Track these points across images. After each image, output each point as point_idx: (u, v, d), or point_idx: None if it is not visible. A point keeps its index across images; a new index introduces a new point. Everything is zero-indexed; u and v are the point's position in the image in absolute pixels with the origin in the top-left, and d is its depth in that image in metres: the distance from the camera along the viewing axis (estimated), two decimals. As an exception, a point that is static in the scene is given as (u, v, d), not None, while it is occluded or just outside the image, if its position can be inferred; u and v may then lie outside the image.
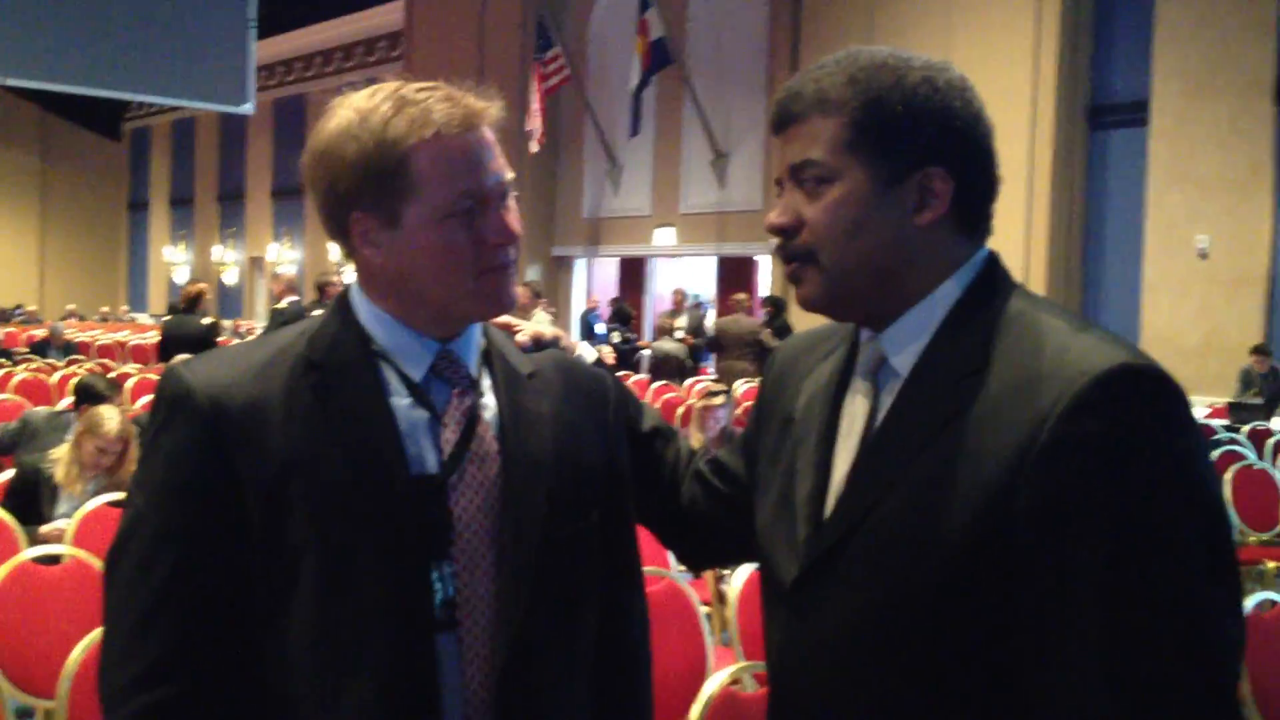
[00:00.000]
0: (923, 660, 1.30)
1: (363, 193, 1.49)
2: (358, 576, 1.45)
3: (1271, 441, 8.71)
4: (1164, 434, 1.22)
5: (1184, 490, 1.21)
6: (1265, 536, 6.73)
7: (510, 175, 1.54)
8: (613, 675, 1.68)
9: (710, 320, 15.67)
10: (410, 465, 1.49)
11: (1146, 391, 1.23)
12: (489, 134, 1.52)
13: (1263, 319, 12.41)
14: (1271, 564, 6.79)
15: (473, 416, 1.54)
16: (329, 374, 1.51)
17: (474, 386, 1.56)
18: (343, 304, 1.58)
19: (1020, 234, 13.42)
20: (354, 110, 1.50)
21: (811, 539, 1.41)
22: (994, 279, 1.41)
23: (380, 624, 1.45)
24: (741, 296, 13.72)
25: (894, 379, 1.41)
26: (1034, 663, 1.24)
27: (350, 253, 1.55)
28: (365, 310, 1.56)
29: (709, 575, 4.89)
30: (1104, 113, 14.20)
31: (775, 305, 13.68)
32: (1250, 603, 3.71)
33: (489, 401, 1.57)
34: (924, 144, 1.36)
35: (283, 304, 11.69)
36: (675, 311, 15.45)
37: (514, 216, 1.53)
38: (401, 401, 1.52)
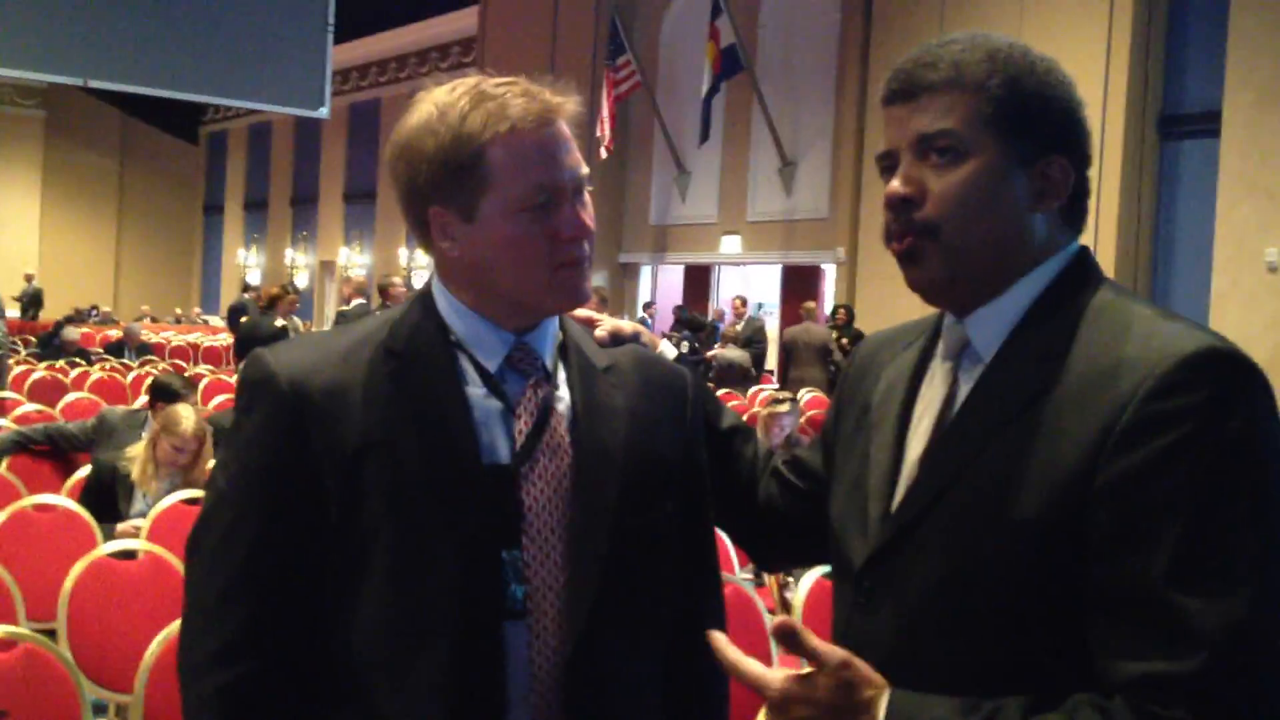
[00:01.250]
0: (989, 639, 1.30)
1: (440, 186, 1.51)
2: (429, 561, 1.48)
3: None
4: (1248, 416, 1.21)
5: (1262, 470, 1.21)
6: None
7: (585, 171, 1.55)
8: (689, 671, 1.68)
9: (771, 328, 15.61)
10: (483, 454, 1.51)
11: (1231, 374, 1.23)
12: (565, 129, 1.53)
13: (1335, 332, 12.19)
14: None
15: (546, 408, 1.56)
16: (407, 362, 1.54)
17: (549, 378, 1.58)
18: (425, 295, 1.61)
19: (1087, 242, 13.24)
20: (434, 105, 1.53)
21: (883, 521, 1.41)
22: (1085, 269, 1.41)
23: (450, 609, 1.48)
24: (810, 305, 13.61)
25: (975, 363, 1.41)
26: (1095, 623, 1.23)
27: (428, 246, 1.58)
28: (444, 301, 1.59)
29: (773, 582, 4.91)
30: (1175, 122, 14.00)
31: (848, 313, 13.62)
32: None
33: (563, 393, 1.59)
34: (1053, 131, 1.38)
35: (349, 306, 11.81)
36: (735, 320, 15.43)
37: (589, 212, 1.54)
38: (477, 391, 1.54)
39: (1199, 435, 1.20)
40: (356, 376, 1.52)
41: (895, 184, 1.39)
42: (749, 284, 20.34)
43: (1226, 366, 1.23)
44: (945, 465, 1.36)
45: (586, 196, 1.56)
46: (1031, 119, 1.37)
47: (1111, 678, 1.22)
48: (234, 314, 16.39)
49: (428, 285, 1.63)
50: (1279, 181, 12.47)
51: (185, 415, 5.15)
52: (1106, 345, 1.30)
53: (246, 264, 31.61)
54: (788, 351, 12.54)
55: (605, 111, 18.41)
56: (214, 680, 1.50)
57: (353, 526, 1.49)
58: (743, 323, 15.10)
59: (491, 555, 1.50)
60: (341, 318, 11.48)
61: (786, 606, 4.71)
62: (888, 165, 1.42)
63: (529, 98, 1.51)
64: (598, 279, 19.73)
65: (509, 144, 1.49)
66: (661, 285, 21.51)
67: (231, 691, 1.50)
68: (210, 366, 13.78)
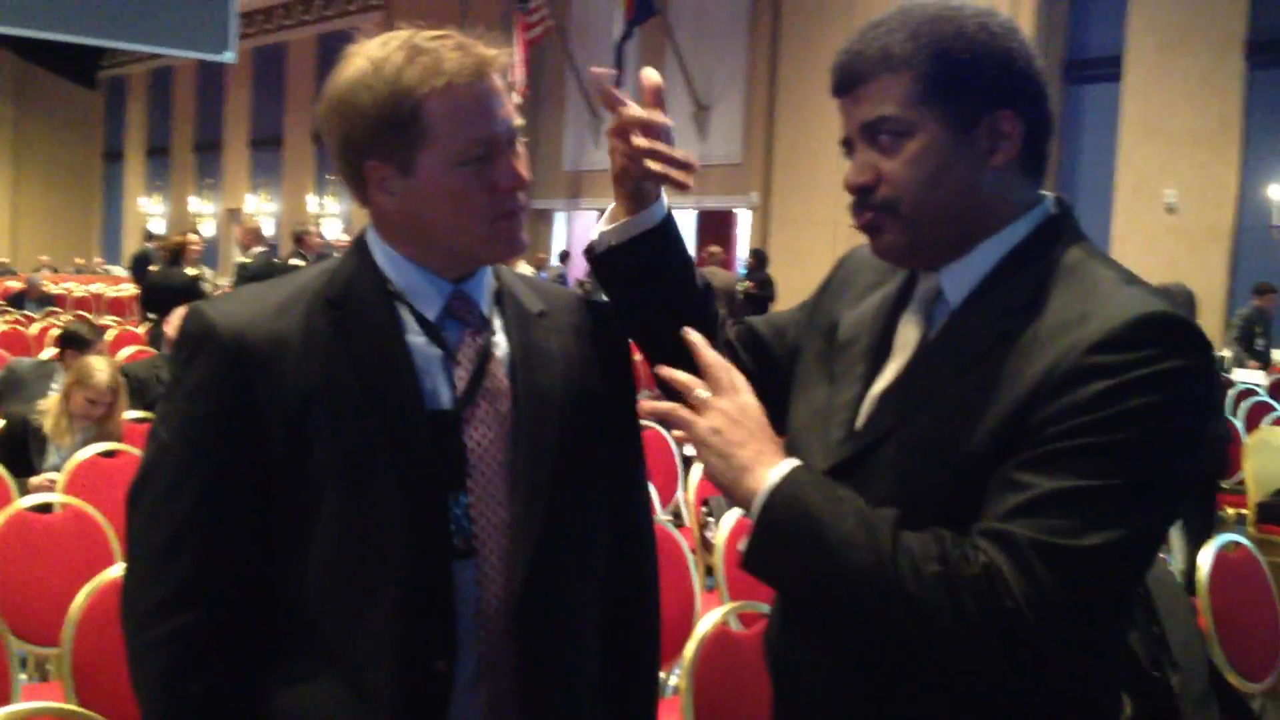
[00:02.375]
0: None
1: (377, 141, 1.52)
2: (377, 505, 1.51)
3: (1233, 392, 8.88)
4: (1177, 378, 1.29)
5: (1179, 431, 1.30)
6: (1224, 485, 6.90)
7: (519, 121, 1.58)
8: (625, 602, 1.75)
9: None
10: (425, 400, 1.55)
11: (1175, 341, 1.30)
12: (498, 81, 1.55)
13: (1227, 273, 12.58)
14: (1231, 510, 6.99)
15: (485, 354, 1.60)
16: (347, 311, 1.56)
17: (486, 325, 1.62)
18: (360, 246, 1.63)
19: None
20: (368, 59, 1.53)
21: (843, 442, 1.49)
22: (1061, 226, 1.47)
23: (398, 552, 1.51)
24: (716, 249, 13.87)
25: (945, 311, 1.49)
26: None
27: (365, 199, 1.60)
28: (381, 253, 1.61)
29: (694, 523, 5.01)
30: (1079, 67, 14.26)
31: (757, 258, 13.78)
32: (1216, 543, 3.89)
33: (500, 339, 1.63)
34: (991, 88, 1.42)
35: (247, 257, 11.43)
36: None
37: (523, 161, 1.57)
38: (417, 339, 1.57)
39: (1126, 389, 1.29)
40: (297, 327, 1.54)
41: (850, 175, 1.47)
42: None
43: (1174, 333, 1.31)
44: (907, 398, 1.44)
45: (520, 146, 1.58)
46: (965, 82, 1.41)
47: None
48: (138, 264, 16.05)
49: (362, 236, 1.65)
50: (1178, 125, 12.79)
51: (99, 367, 5.09)
52: (1070, 303, 1.37)
53: (149, 212, 30.88)
54: None
55: (517, 56, 18.23)
56: (161, 629, 1.52)
57: (299, 474, 1.52)
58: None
59: (437, 498, 1.54)
60: (241, 268, 11.09)
61: (708, 545, 4.81)
62: (849, 151, 1.49)
63: (463, 51, 1.53)
64: (511, 225, 19.59)
65: (445, 98, 1.51)
66: (576, 232, 21.46)
67: (179, 639, 1.52)
68: (116, 317, 13.47)
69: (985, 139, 1.43)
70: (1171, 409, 1.30)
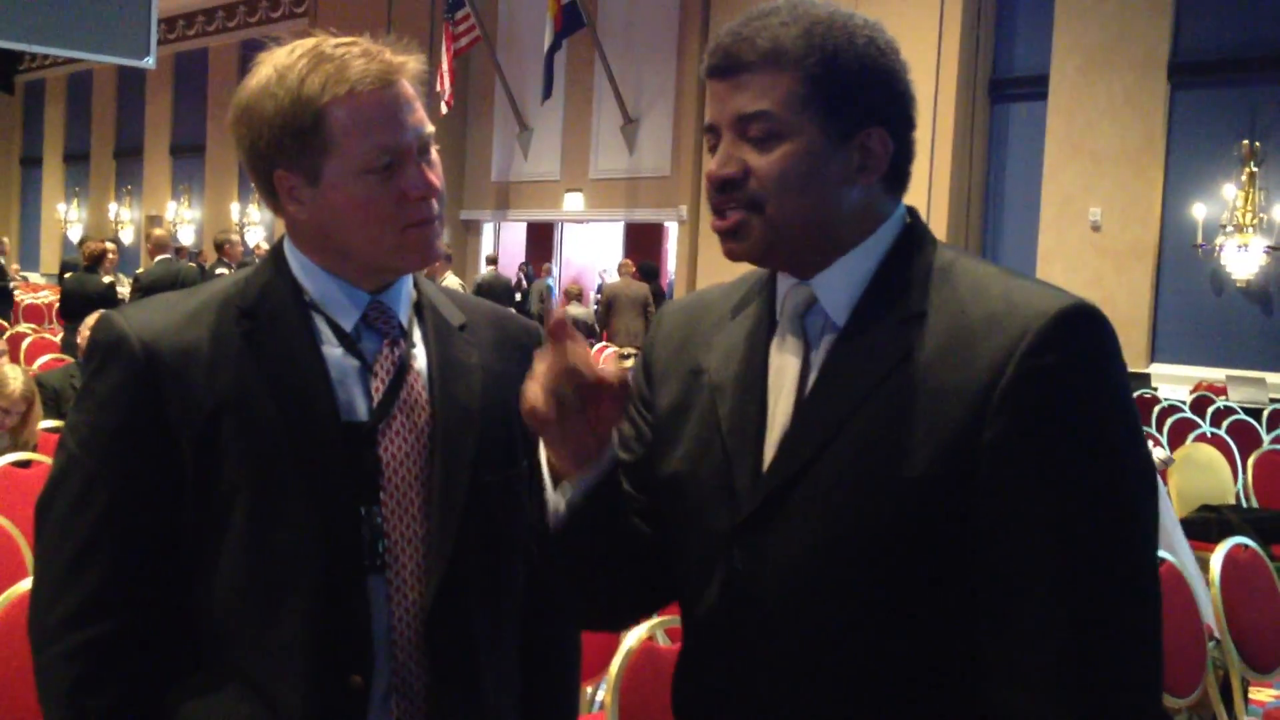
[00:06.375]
0: (880, 596, 1.32)
1: (283, 150, 1.51)
2: (288, 519, 1.49)
3: (1158, 409, 8.99)
4: (1111, 365, 1.31)
5: (1126, 417, 1.31)
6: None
7: (430, 129, 1.55)
8: (542, 621, 1.72)
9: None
10: (340, 412, 1.53)
11: (1097, 329, 1.30)
12: (408, 88, 1.53)
13: (1151, 290, 12.80)
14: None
15: (402, 366, 1.58)
16: (262, 322, 1.54)
17: (405, 337, 1.60)
18: (276, 255, 1.61)
19: (921, 203, 13.62)
20: (273, 67, 1.52)
21: (756, 484, 1.38)
22: (918, 233, 1.44)
23: (310, 566, 1.49)
24: (627, 262, 14.76)
25: (826, 327, 1.40)
26: (991, 591, 1.29)
27: (277, 209, 1.58)
28: (296, 262, 1.59)
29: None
30: (1005, 86, 14.46)
31: (649, 272, 14.63)
32: (1227, 545, 4.04)
33: (420, 351, 1.61)
34: (870, 104, 1.37)
35: (146, 268, 10.93)
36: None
37: (436, 170, 1.55)
38: (333, 350, 1.56)
39: (1074, 385, 1.28)
40: (210, 337, 1.53)
41: (714, 166, 1.40)
42: (592, 242, 20.37)
43: (1095, 323, 1.30)
44: (817, 429, 1.35)
45: (434, 154, 1.56)
46: (849, 95, 1.36)
47: (999, 696, 1.29)
48: (63, 271, 15.79)
49: (279, 245, 1.63)
50: (1102, 144, 13.01)
51: (13, 376, 5.00)
52: (966, 304, 1.34)
53: (68, 218, 30.39)
54: (608, 305, 13.78)
55: (445, 66, 18.16)
56: (69, 641, 1.49)
57: (210, 487, 1.50)
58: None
59: (350, 511, 1.52)
60: (136, 280, 10.69)
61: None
62: (714, 140, 1.42)
63: (368, 58, 1.51)
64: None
65: (349, 106, 1.49)
66: (505, 242, 21.41)
67: (86, 652, 1.49)
68: (32, 325, 13.24)
69: (857, 154, 1.38)
70: (1123, 394, 1.31)
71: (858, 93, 1.36)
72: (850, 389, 1.35)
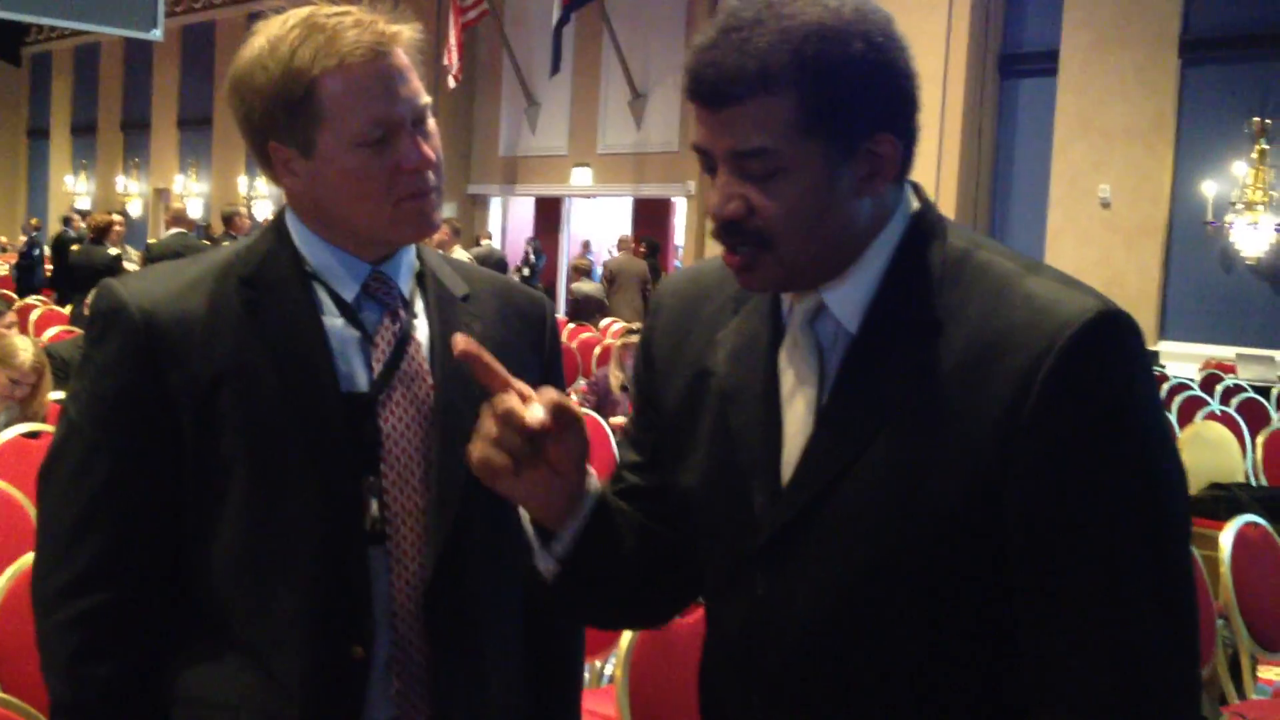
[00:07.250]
0: (912, 622, 1.26)
1: (276, 122, 1.50)
2: (288, 489, 1.49)
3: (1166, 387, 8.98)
4: (1141, 377, 1.24)
5: (1159, 431, 1.25)
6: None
7: (426, 100, 1.53)
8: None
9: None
10: (341, 383, 1.53)
11: (1124, 338, 1.23)
12: (401, 58, 1.50)
13: (1160, 268, 12.75)
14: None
15: (403, 337, 1.57)
16: (263, 291, 1.54)
17: (406, 307, 1.59)
18: (278, 225, 1.60)
19: (930, 180, 13.58)
20: (266, 38, 1.51)
21: (774, 506, 1.31)
22: (928, 221, 1.34)
23: (310, 536, 1.49)
24: (627, 237, 14.80)
25: (840, 334, 1.32)
26: (1030, 619, 1.24)
27: (274, 180, 1.57)
28: (297, 232, 1.58)
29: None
30: (1015, 61, 14.38)
31: (650, 247, 14.72)
32: (1237, 523, 4.08)
33: (421, 322, 1.60)
34: (875, 112, 1.26)
35: (159, 239, 10.98)
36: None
37: (433, 141, 1.53)
38: (334, 321, 1.55)
39: (1109, 405, 1.21)
40: (211, 306, 1.52)
41: (717, 204, 1.28)
42: (601, 217, 20.32)
43: (1122, 332, 1.23)
44: (837, 450, 1.28)
45: (430, 125, 1.54)
46: (850, 110, 1.24)
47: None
48: (55, 244, 15.81)
49: (281, 214, 1.62)
50: (1112, 121, 12.94)
51: (23, 347, 5.00)
52: (986, 313, 1.26)
53: (75, 190, 30.37)
54: (610, 281, 13.99)
55: (452, 40, 18.07)
56: (69, 610, 1.49)
57: (210, 456, 1.49)
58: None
59: (350, 481, 1.52)
60: (148, 250, 10.79)
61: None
62: (706, 162, 1.30)
63: (360, 28, 1.48)
64: (447, 210, 19.45)
65: (340, 77, 1.47)
66: (512, 217, 21.37)
67: (85, 621, 1.49)
68: (42, 298, 13.26)
69: (864, 164, 1.27)
70: (1154, 404, 1.25)
71: (859, 105, 1.25)
72: (871, 404, 1.27)
